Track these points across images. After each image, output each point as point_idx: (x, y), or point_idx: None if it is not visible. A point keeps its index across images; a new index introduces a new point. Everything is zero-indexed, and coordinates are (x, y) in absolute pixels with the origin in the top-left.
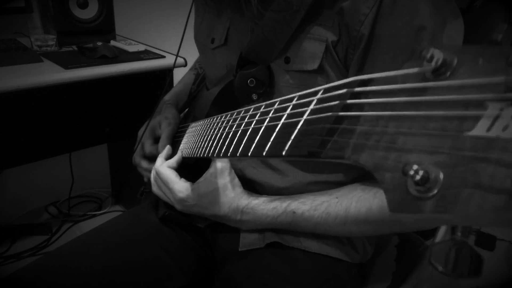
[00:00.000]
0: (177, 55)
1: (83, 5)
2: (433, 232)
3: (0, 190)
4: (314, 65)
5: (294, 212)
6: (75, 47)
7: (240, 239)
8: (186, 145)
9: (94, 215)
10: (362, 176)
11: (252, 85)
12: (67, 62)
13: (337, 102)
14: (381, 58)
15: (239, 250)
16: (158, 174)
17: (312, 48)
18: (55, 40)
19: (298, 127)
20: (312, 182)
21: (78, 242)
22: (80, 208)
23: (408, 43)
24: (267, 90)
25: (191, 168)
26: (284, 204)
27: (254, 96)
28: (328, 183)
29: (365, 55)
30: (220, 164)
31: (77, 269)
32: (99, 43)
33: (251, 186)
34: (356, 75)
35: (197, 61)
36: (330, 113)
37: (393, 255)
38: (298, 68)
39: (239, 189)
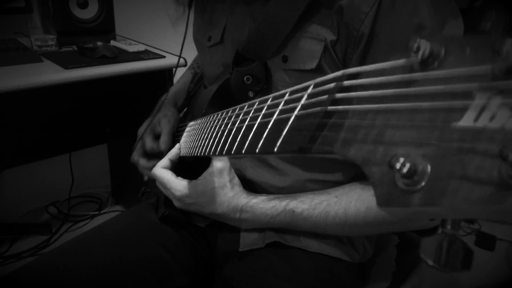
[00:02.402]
0: (179, 56)
1: (83, 5)
2: (433, 231)
3: (0, 190)
4: (312, 65)
5: (293, 211)
6: (75, 47)
7: (241, 239)
8: (184, 144)
9: (94, 215)
10: (361, 175)
11: (249, 83)
12: (67, 62)
13: (326, 96)
14: (381, 57)
15: (240, 250)
16: (155, 177)
17: (311, 47)
18: (55, 40)
19: (289, 123)
20: (311, 181)
21: (78, 240)
22: (80, 208)
23: (407, 42)
24: (263, 88)
25: (191, 167)
26: (283, 203)
27: (251, 94)
28: (327, 182)
29: (365, 54)
30: (220, 164)
31: (77, 267)
32: (99, 43)
33: (251, 186)
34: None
35: (194, 61)
36: (319, 108)
37: (393, 255)
38: (296, 67)
39: (238, 188)
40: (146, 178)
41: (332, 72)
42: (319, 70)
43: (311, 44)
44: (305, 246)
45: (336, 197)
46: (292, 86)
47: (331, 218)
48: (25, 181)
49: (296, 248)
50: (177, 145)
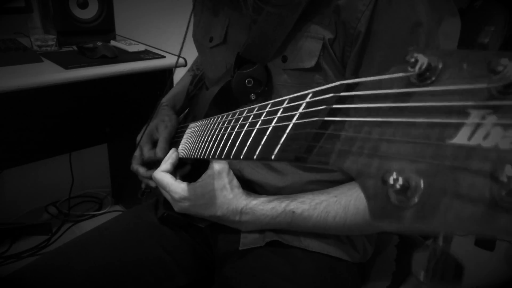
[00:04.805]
0: (179, 56)
1: (83, 5)
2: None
3: (0, 190)
4: (311, 63)
5: (293, 212)
6: (75, 47)
7: (241, 239)
8: (184, 146)
9: (94, 215)
10: None
11: (250, 85)
12: (67, 62)
13: (323, 107)
14: (378, 54)
15: (239, 249)
16: (155, 181)
17: (309, 46)
18: (55, 40)
19: (287, 131)
20: (311, 181)
21: (78, 241)
22: (80, 208)
23: (404, 39)
24: (265, 90)
25: (190, 170)
26: (283, 204)
27: (253, 96)
28: (327, 182)
29: (362, 52)
30: (218, 166)
31: (77, 268)
32: (99, 43)
33: (250, 187)
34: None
35: (194, 63)
36: (316, 118)
37: (393, 255)
38: (295, 67)
39: (237, 190)
40: (143, 185)
41: (331, 70)
42: (318, 69)
43: (309, 43)
44: (305, 245)
45: (336, 196)
46: (293, 86)
47: (331, 218)
48: (25, 181)
49: (296, 248)
50: (173, 149)
